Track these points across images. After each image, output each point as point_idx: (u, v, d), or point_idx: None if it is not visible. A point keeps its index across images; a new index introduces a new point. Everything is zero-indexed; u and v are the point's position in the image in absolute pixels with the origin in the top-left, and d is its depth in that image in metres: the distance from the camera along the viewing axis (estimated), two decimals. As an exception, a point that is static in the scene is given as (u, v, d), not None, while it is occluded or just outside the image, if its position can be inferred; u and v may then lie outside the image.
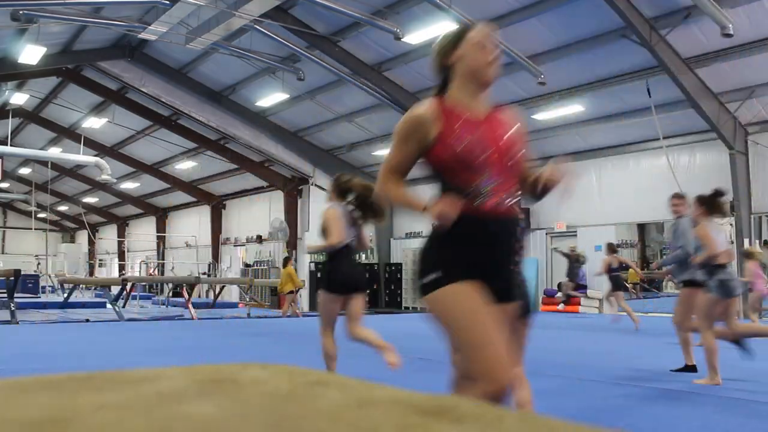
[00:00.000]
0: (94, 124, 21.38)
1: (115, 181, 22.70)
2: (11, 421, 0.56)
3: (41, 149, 24.71)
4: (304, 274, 20.35)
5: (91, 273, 31.47)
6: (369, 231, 23.12)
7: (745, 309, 11.79)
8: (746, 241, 13.47)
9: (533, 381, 5.64)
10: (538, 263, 17.89)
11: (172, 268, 25.43)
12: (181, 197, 27.90)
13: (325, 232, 4.68)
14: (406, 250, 20.73)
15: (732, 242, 14.01)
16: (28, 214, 32.59)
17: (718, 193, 5.54)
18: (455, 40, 2.36)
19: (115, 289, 16.73)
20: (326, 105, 17.78)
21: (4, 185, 30.29)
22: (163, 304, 18.24)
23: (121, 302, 14.84)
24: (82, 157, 20.99)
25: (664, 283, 19.20)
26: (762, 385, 5.37)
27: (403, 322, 13.80)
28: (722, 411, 4.35)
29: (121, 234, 33.05)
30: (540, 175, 2.29)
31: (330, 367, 4.72)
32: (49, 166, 24.69)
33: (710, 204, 5.52)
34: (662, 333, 10.68)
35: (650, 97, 13.06)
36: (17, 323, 11.45)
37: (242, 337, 9.63)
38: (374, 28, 13.17)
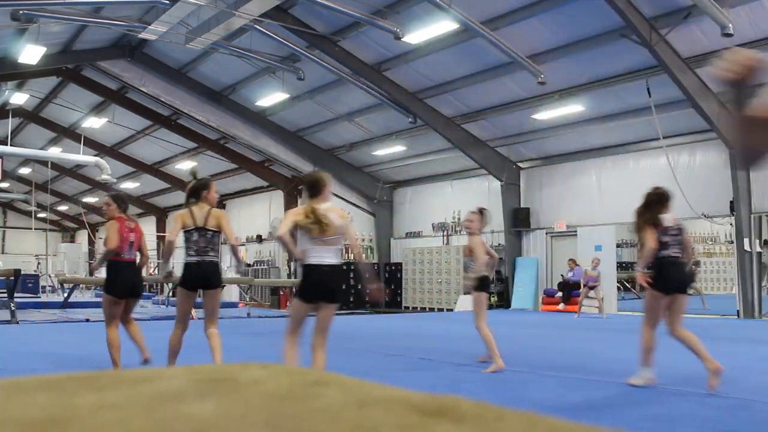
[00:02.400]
0: (94, 124, 21.37)
1: (115, 181, 22.69)
2: (11, 421, 0.56)
3: (41, 149, 24.70)
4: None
5: (91, 273, 31.45)
6: (369, 230, 23.12)
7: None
8: (746, 241, 13.48)
9: (534, 381, 5.65)
10: (538, 263, 17.89)
11: (172, 267, 25.39)
12: (181, 197, 27.82)
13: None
14: (405, 250, 20.72)
15: (731, 241, 14.02)
16: (28, 214, 32.58)
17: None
18: None
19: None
20: (326, 105, 17.79)
21: (4, 185, 30.29)
22: (163, 304, 18.24)
23: (121, 302, 14.81)
24: (82, 157, 20.99)
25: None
26: (763, 388, 5.37)
27: (403, 322, 13.80)
28: (720, 410, 4.35)
29: (121, 234, 33.03)
30: None
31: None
32: (49, 166, 24.69)
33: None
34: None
35: (650, 96, 13.05)
36: (17, 323, 11.44)
37: (242, 337, 9.63)
38: (374, 27, 13.17)
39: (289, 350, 4.52)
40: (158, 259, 26.94)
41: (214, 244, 5.34)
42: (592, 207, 16.41)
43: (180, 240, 5.32)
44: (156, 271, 25.80)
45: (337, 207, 4.68)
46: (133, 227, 6.03)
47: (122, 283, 5.83)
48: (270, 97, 17.46)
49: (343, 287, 4.65)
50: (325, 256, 4.43)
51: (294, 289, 4.51)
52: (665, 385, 5.31)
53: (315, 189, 4.56)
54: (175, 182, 26.06)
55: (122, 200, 6.20)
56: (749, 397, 4.79)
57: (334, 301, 4.55)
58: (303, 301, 4.51)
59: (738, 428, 3.95)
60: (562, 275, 16.68)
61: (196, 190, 5.45)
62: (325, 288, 4.47)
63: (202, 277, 5.32)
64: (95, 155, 22.47)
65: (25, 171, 28.91)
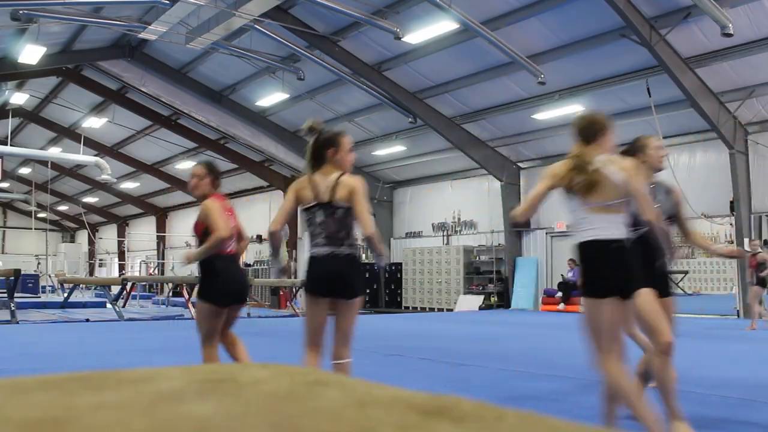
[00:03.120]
0: (94, 123, 21.38)
1: (115, 181, 22.70)
2: (11, 421, 0.56)
3: (41, 149, 24.70)
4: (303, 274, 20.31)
5: (91, 273, 31.46)
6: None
7: None
8: (746, 241, 13.48)
9: (536, 381, 5.65)
10: (538, 263, 17.89)
11: (172, 267, 25.41)
12: (181, 197, 27.90)
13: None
14: (406, 250, 20.71)
15: (731, 241, 14.02)
16: (28, 214, 32.57)
17: None
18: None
19: (115, 289, 16.73)
20: (326, 105, 17.79)
21: (4, 185, 30.28)
22: (163, 304, 18.24)
23: (121, 302, 14.84)
24: (82, 157, 20.99)
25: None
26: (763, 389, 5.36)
27: (403, 322, 13.79)
28: (717, 411, 4.35)
29: (121, 234, 33.05)
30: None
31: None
32: (49, 166, 24.68)
33: None
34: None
35: (650, 96, 13.06)
36: (17, 323, 11.44)
37: (242, 337, 9.62)
38: (374, 27, 13.17)
39: (620, 377, 3.12)
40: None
41: (350, 227, 3.54)
42: (592, 207, 16.40)
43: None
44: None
45: (620, 158, 3.18)
46: (229, 207, 4.23)
47: (229, 286, 4.14)
48: (270, 97, 17.47)
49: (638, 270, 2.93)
50: (608, 227, 2.95)
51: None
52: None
53: (590, 133, 3.10)
54: (175, 182, 26.08)
55: (218, 171, 4.31)
56: (747, 396, 4.77)
57: (633, 290, 2.99)
58: (596, 298, 2.97)
59: (741, 428, 3.94)
60: (562, 275, 16.69)
61: (318, 150, 3.59)
62: (625, 273, 2.96)
63: (332, 279, 3.51)
64: (95, 155, 22.46)
65: (25, 171, 28.91)
